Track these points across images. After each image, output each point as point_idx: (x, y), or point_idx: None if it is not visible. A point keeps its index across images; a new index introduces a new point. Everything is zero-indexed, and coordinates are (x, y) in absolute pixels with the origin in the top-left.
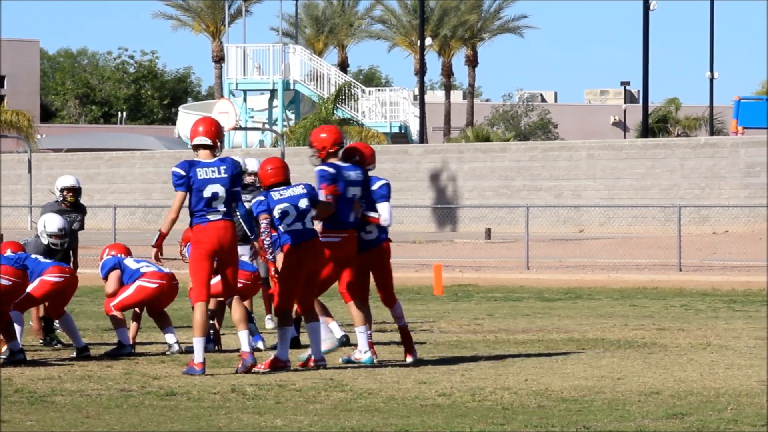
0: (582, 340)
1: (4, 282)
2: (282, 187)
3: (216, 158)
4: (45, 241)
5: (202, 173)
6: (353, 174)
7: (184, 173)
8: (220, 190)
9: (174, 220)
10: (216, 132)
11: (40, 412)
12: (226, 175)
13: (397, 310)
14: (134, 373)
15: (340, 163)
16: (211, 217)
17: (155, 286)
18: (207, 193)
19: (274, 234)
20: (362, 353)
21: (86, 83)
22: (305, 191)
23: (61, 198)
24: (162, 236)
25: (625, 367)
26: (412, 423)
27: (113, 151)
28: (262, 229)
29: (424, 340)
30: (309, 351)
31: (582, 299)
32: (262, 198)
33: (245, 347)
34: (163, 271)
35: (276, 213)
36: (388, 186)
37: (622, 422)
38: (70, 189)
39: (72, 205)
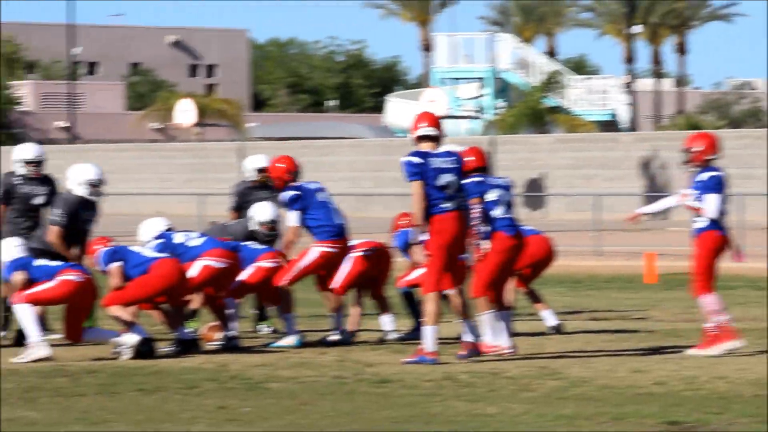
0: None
1: (217, 264)
2: (484, 175)
3: (442, 150)
4: (253, 227)
5: (435, 163)
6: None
7: (420, 160)
8: (452, 179)
9: (424, 209)
10: (439, 124)
11: (256, 398)
12: (456, 165)
13: (709, 302)
14: (348, 360)
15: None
16: (446, 206)
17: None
18: (441, 181)
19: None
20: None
21: (296, 72)
22: (507, 185)
23: (256, 177)
24: (419, 228)
25: None
26: (626, 411)
27: (322, 139)
28: (476, 215)
29: (637, 328)
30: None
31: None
32: (481, 179)
33: (469, 337)
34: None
35: (492, 196)
36: (717, 178)
37: None
38: (264, 169)
39: (264, 184)
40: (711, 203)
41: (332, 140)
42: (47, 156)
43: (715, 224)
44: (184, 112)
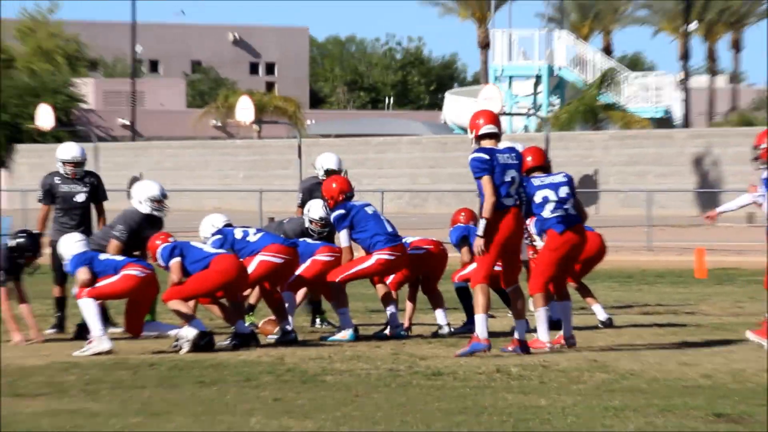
0: None
1: (275, 260)
2: (542, 174)
3: (504, 146)
4: (306, 224)
5: (501, 158)
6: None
7: (488, 157)
8: (515, 175)
9: (494, 204)
10: (498, 121)
11: (311, 390)
12: (517, 161)
13: None
14: (402, 353)
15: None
16: (507, 202)
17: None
18: (507, 177)
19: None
20: None
21: (354, 69)
22: (566, 180)
23: (324, 177)
24: (488, 223)
25: None
26: (674, 404)
27: (381, 136)
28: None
29: (686, 322)
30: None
31: None
32: (537, 178)
33: (518, 335)
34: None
35: (537, 198)
36: None
37: None
38: (334, 171)
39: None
40: None
41: (390, 137)
42: (86, 155)
43: None
44: (244, 110)
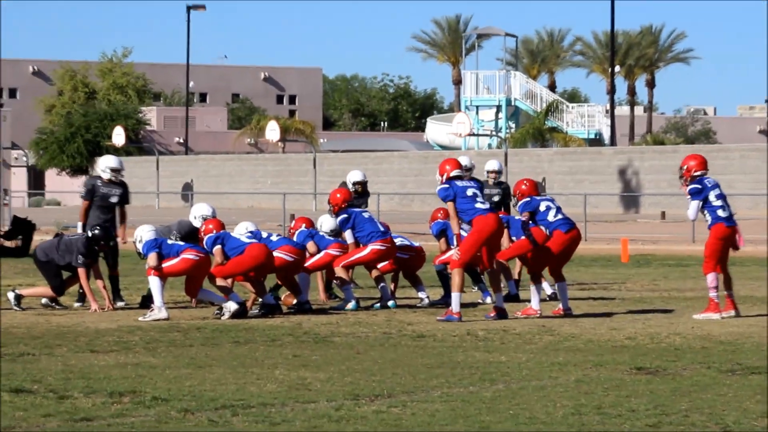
0: (735, 297)
1: (287, 257)
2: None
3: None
4: (321, 234)
5: (460, 183)
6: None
7: (448, 185)
8: (475, 190)
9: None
10: (461, 166)
11: (322, 348)
12: (475, 183)
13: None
14: (393, 320)
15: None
16: (482, 208)
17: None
18: (469, 192)
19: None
20: None
21: (357, 100)
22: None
23: (353, 189)
24: (460, 236)
25: None
26: (605, 360)
27: (377, 152)
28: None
29: (614, 296)
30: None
31: (735, 266)
32: (529, 200)
33: (499, 303)
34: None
35: (542, 207)
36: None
37: None
38: (359, 182)
39: (360, 194)
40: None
41: (384, 152)
42: (125, 165)
43: (718, 219)
44: (272, 131)
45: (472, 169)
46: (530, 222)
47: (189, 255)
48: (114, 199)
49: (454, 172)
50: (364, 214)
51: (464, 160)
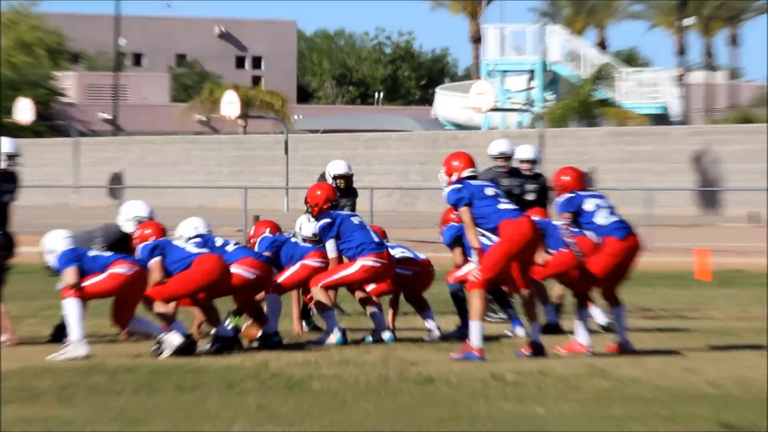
0: None
1: (246, 274)
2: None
3: None
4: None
5: (474, 183)
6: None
7: (461, 186)
8: (496, 189)
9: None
10: (474, 163)
11: (297, 396)
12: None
13: None
14: (391, 358)
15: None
16: (508, 210)
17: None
18: (489, 192)
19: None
20: None
21: (343, 64)
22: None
23: (334, 185)
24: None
25: None
26: (679, 413)
27: (370, 132)
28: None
29: (689, 327)
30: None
31: None
32: (573, 196)
33: (534, 337)
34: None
35: (589, 206)
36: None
37: None
38: (342, 176)
39: (343, 191)
40: None
41: (380, 133)
42: (28, 150)
43: None
44: (230, 104)
45: (511, 157)
46: (573, 227)
47: (118, 269)
48: (7, 197)
49: (467, 172)
50: (353, 219)
51: (500, 146)
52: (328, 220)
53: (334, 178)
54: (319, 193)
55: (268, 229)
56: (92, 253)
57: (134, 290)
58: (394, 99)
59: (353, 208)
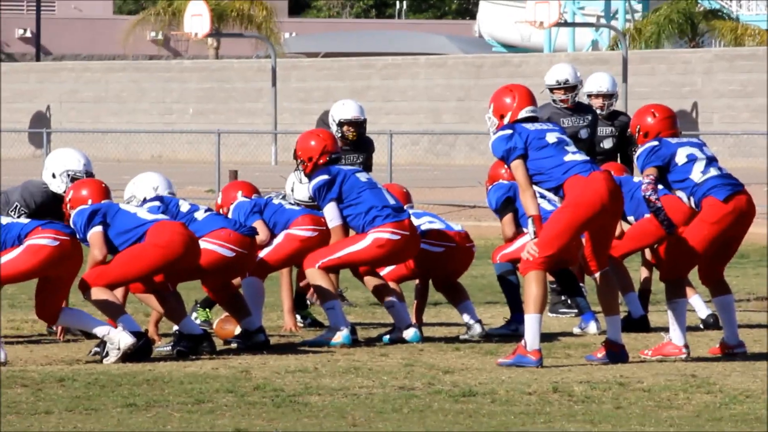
0: None
1: (223, 251)
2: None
3: None
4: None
5: (531, 126)
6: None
7: (511, 131)
8: (562, 135)
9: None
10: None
11: (288, 416)
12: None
13: None
14: (418, 364)
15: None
16: (578, 163)
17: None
18: (552, 139)
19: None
20: None
21: None
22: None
23: (339, 134)
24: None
25: None
26: None
27: (389, 55)
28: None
29: None
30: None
31: None
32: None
33: (612, 335)
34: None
35: (681, 158)
36: None
37: None
38: (351, 122)
39: (353, 143)
40: None
41: (402, 57)
42: None
43: None
44: (196, 17)
45: (577, 88)
46: (658, 186)
47: (38, 240)
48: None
49: (524, 113)
50: (360, 175)
51: (561, 71)
52: (325, 176)
53: (340, 124)
54: (313, 143)
55: (239, 192)
56: (4, 220)
57: (64, 270)
58: (423, 10)
59: (368, 167)
